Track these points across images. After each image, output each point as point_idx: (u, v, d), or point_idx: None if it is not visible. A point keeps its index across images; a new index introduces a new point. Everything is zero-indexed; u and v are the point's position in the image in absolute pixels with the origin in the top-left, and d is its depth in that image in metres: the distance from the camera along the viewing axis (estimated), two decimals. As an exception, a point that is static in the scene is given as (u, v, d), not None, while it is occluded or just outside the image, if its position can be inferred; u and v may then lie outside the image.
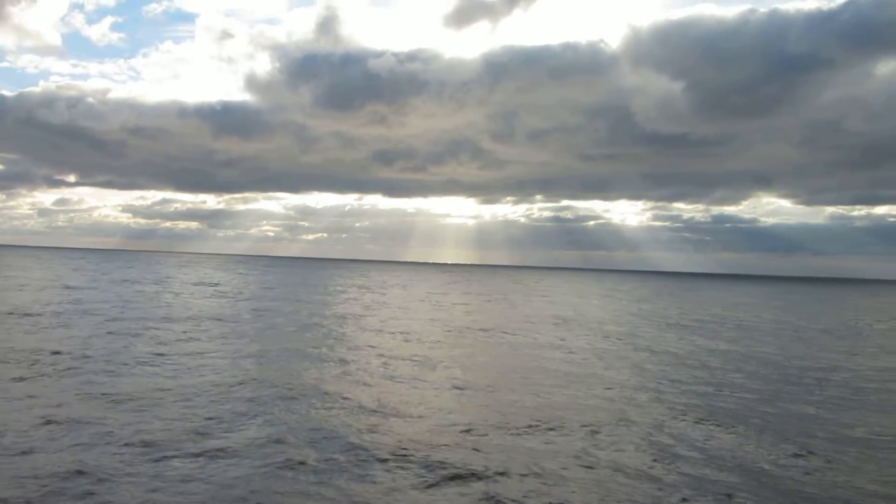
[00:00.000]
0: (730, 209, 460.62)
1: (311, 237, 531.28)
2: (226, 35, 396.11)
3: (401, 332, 24.73)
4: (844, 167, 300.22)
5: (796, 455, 10.32)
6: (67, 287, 42.55)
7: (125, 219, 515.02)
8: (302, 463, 9.10)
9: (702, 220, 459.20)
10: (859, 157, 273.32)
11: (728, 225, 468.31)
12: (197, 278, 64.69)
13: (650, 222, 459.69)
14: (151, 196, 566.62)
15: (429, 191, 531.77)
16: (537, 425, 11.52)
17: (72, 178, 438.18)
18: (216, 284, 54.92)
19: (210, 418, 11.16)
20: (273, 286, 57.22)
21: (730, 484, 8.88)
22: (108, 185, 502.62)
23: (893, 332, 34.47)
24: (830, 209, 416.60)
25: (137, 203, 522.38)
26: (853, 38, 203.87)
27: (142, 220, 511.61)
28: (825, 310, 54.97)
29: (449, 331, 26.28)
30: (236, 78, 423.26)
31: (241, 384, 14.07)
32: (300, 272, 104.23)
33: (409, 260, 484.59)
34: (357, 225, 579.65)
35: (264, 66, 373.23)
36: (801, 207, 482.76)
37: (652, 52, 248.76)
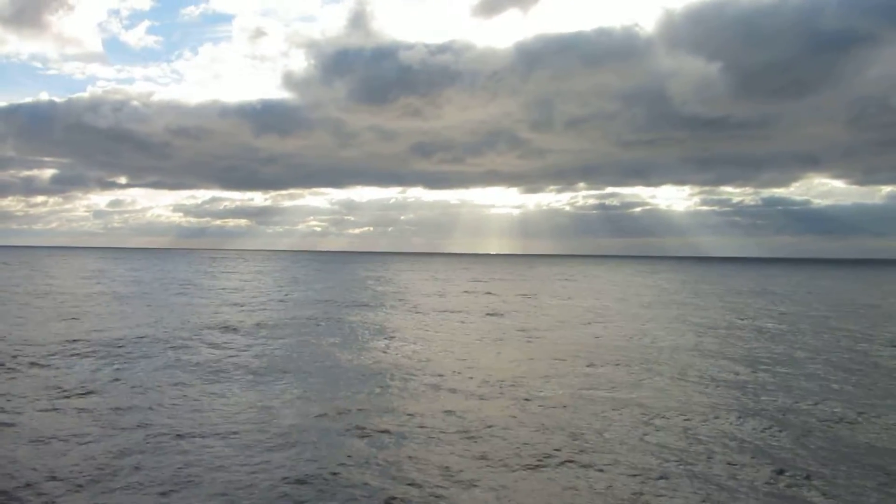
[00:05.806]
0: (780, 191, 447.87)
1: (357, 231, 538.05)
2: (262, 34, 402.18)
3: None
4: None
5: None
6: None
7: (177, 218, 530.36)
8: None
9: (751, 203, 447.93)
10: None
11: (779, 207, 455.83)
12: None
13: (698, 207, 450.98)
14: (201, 195, 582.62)
15: (469, 182, 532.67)
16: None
17: (123, 180, 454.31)
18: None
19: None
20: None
21: None
22: (158, 185, 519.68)
23: None
24: (888, 188, 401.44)
25: (188, 202, 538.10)
26: (894, 11, 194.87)
27: (193, 219, 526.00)
28: None
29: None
30: (274, 76, 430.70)
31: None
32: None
33: (455, 251, 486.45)
34: (402, 218, 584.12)
35: (300, 63, 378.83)
36: (855, 188, 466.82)
37: (687, 35, 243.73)
